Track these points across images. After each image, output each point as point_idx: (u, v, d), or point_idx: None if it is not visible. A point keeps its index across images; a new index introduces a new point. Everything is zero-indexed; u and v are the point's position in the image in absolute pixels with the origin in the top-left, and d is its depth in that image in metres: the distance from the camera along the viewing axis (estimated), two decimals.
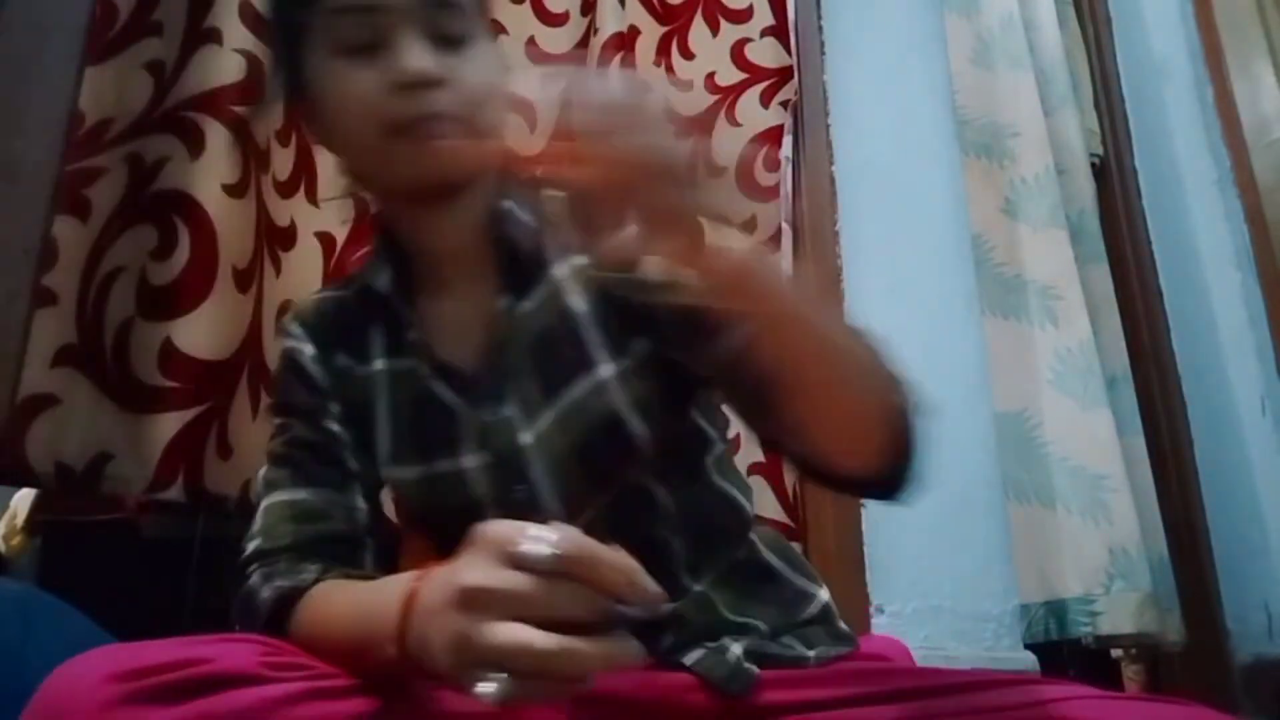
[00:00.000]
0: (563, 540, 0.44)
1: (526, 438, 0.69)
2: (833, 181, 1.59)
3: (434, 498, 0.70)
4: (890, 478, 0.58)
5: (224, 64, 1.07)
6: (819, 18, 1.63)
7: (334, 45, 0.66)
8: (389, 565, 0.70)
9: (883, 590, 1.20)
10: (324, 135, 0.72)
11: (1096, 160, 1.72)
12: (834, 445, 0.58)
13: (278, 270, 1.17)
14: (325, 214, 1.23)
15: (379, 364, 0.73)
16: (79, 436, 0.96)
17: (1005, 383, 1.51)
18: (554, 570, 0.43)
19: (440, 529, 0.72)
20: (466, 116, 0.66)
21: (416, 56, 0.65)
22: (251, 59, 1.08)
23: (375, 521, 0.72)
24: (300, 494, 0.69)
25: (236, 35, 1.08)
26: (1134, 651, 1.51)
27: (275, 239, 1.16)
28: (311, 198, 1.22)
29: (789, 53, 1.52)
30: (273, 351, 1.14)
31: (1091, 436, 1.41)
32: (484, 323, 0.71)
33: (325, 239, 1.22)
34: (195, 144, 1.03)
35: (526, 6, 1.47)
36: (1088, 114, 1.73)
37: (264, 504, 0.70)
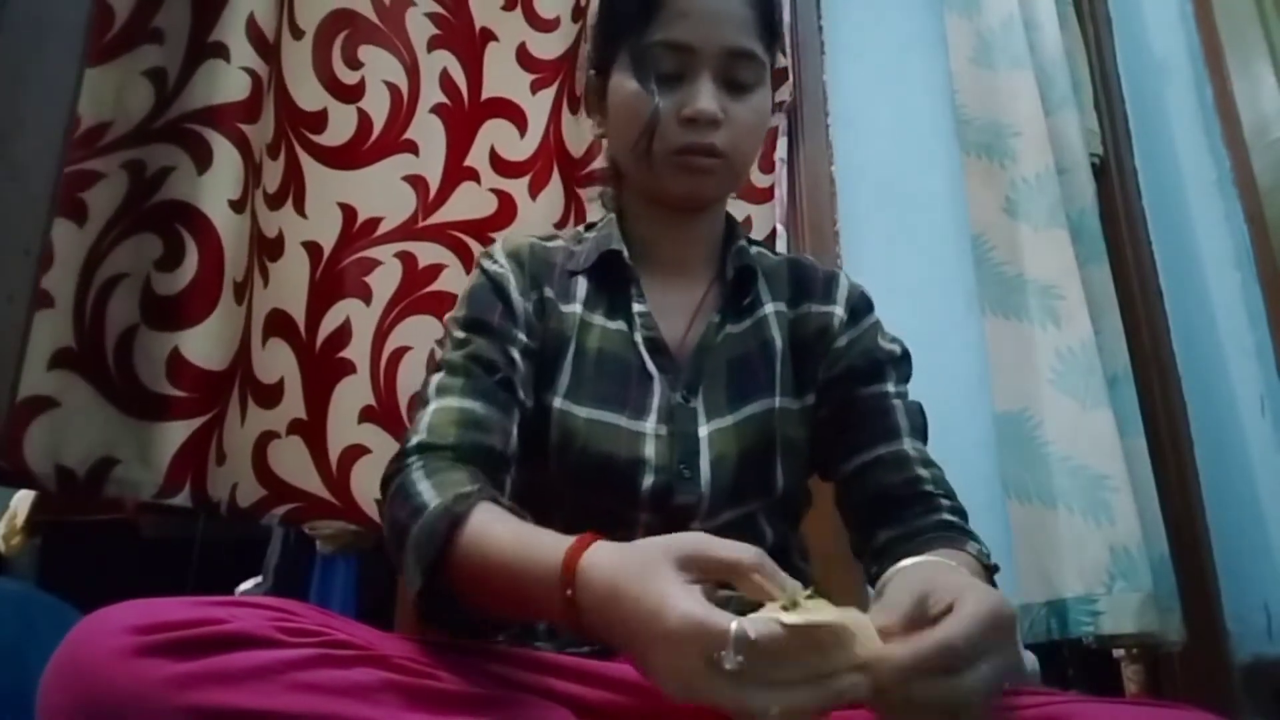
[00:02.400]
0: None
1: (704, 431, 0.79)
2: (833, 181, 1.59)
3: (603, 442, 0.77)
4: None
5: (230, 81, 1.07)
6: (819, 18, 1.63)
7: (645, 69, 0.79)
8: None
9: None
10: (610, 133, 0.86)
11: (1096, 160, 1.72)
12: None
13: (265, 280, 1.18)
14: (313, 224, 1.24)
15: (577, 308, 0.84)
16: (80, 440, 0.97)
17: (1006, 382, 1.51)
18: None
19: (592, 473, 0.77)
20: (729, 153, 0.80)
21: (707, 98, 0.78)
22: (255, 78, 1.09)
23: (518, 453, 0.77)
24: (470, 403, 0.75)
25: (243, 53, 1.08)
26: (1134, 651, 1.51)
27: (264, 250, 1.18)
28: (299, 208, 1.23)
29: (784, 54, 1.52)
30: (262, 360, 1.15)
31: (1093, 436, 1.41)
32: (691, 321, 0.84)
33: (312, 248, 1.24)
34: (202, 157, 1.04)
35: (518, 12, 1.47)
36: (1087, 114, 1.73)
37: (433, 406, 0.75)
